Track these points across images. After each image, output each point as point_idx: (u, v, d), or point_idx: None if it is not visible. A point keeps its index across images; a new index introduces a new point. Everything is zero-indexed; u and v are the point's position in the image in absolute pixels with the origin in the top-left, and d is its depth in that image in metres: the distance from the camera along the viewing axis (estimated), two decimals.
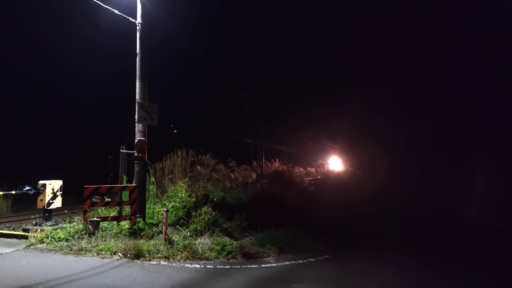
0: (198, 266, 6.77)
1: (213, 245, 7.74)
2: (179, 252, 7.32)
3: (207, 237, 8.33)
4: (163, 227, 8.09)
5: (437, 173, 17.15)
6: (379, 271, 6.82)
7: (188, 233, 8.43)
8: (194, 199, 10.02)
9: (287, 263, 7.05)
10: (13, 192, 9.85)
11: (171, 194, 10.65)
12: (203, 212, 8.99)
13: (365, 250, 8.42)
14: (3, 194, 10.27)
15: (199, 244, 7.84)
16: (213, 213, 9.08)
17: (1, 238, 8.52)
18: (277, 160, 17.65)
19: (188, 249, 7.40)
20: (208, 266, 6.76)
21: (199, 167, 11.26)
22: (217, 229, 8.71)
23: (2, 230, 9.00)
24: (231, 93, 21.37)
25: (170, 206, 9.45)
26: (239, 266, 6.80)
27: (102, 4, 8.41)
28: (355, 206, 12.47)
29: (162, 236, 8.06)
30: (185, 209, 9.57)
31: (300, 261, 7.17)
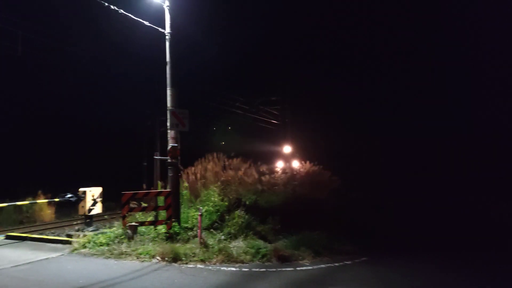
0: (233, 269, 6.84)
1: (248, 248, 7.79)
2: (214, 255, 7.43)
3: (241, 240, 8.40)
4: (198, 231, 8.25)
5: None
6: (419, 275, 6.61)
7: (223, 236, 8.54)
8: (226, 203, 10.13)
9: (323, 266, 6.98)
10: (57, 199, 10.38)
11: (204, 198, 10.82)
12: (236, 216, 9.09)
13: (403, 252, 8.19)
14: (47, 201, 10.81)
15: (233, 247, 7.92)
16: (246, 217, 9.15)
17: (47, 244, 8.98)
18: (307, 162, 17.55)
19: (223, 252, 7.50)
20: (243, 269, 6.82)
21: (230, 171, 11.36)
22: (250, 232, 8.77)
23: (47, 236, 9.48)
24: (258, 97, 21.43)
25: (204, 210, 9.60)
26: (274, 269, 6.81)
27: (132, 16, 8.72)
28: (385, 206, 12.17)
29: (197, 239, 8.22)
30: (218, 213, 9.70)
31: (336, 264, 7.08)
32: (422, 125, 20.14)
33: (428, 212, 11.62)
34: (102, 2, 8.13)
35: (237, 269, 6.85)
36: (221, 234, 8.67)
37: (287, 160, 18.55)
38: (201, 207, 8.97)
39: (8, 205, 9.73)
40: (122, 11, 8.60)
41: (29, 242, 9.18)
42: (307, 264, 7.11)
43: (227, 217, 9.28)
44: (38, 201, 10.61)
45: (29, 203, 10.35)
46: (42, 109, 24.31)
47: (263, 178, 11.53)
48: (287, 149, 21.10)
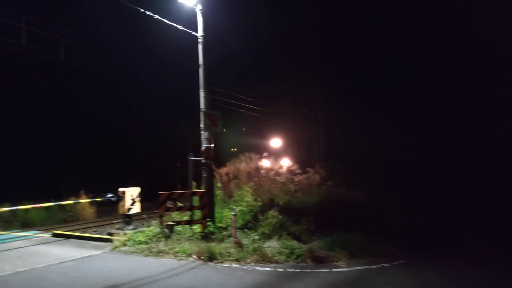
0: (268, 269, 6.86)
1: (282, 249, 7.78)
2: (249, 255, 7.48)
3: (275, 241, 8.40)
4: (232, 230, 8.34)
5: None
6: (461, 279, 6.34)
7: (257, 236, 8.58)
8: (260, 203, 10.18)
9: (359, 268, 6.85)
10: (98, 199, 10.87)
11: (237, 198, 10.94)
12: (269, 216, 9.10)
13: (445, 254, 7.87)
14: (89, 201, 11.32)
15: (268, 247, 7.93)
16: (280, 217, 9.15)
17: (90, 241, 9.42)
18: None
19: (257, 252, 7.54)
20: (278, 270, 6.83)
21: (263, 171, 11.41)
22: (284, 233, 8.75)
23: (90, 234, 9.93)
24: (290, 97, 21.32)
25: (237, 210, 9.70)
26: (309, 270, 6.76)
27: (166, 21, 8.96)
28: (422, 207, 11.77)
29: (232, 239, 8.31)
30: (252, 213, 9.76)
31: (374, 266, 6.92)
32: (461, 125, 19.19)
33: (468, 213, 11.11)
34: (138, 8, 8.41)
35: (272, 269, 6.86)
36: (255, 234, 8.72)
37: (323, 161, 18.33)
38: (235, 207, 9.07)
39: (53, 205, 10.31)
40: (157, 16, 8.87)
41: (73, 240, 9.66)
42: (343, 265, 7.01)
43: (260, 217, 9.32)
44: (80, 200, 11.15)
45: (73, 203, 10.90)
46: (84, 113, 25.46)
47: (296, 178, 11.48)
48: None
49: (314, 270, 6.76)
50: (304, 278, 6.32)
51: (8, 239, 9.69)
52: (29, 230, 10.88)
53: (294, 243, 8.17)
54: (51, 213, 12.06)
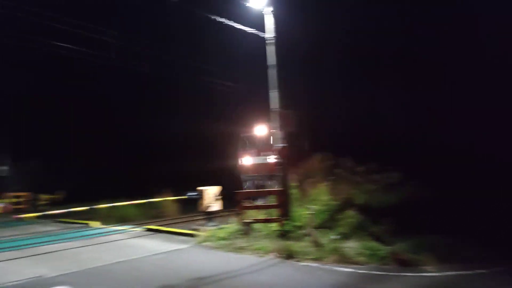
0: (349, 270, 6.72)
1: (362, 249, 7.55)
2: (328, 255, 7.40)
3: (354, 241, 8.18)
4: (310, 229, 8.33)
5: None
6: None
7: (335, 236, 8.45)
8: (337, 202, 10.01)
9: (451, 273, 6.34)
10: (184, 197, 11.69)
11: (313, 197, 10.87)
12: (347, 215, 8.90)
13: None
14: (175, 199, 12.21)
15: (347, 247, 7.75)
16: (358, 217, 8.89)
17: (176, 236, 10.16)
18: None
19: (336, 252, 7.42)
20: (359, 271, 6.64)
21: (339, 170, 11.19)
22: (364, 233, 8.48)
23: (176, 229, 10.71)
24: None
25: (314, 209, 9.65)
26: (394, 273, 6.46)
27: (235, 25, 9.25)
28: None
29: (309, 238, 8.30)
30: (329, 212, 9.63)
31: (468, 272, 6.33)
32: None
33: None
34: (209, 15, 8.81)
35: (353, 270, 6.70)
36: (332, 233, 8.59)
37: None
38: (311, 206, 9.04)
39: (145, 202, 11.36)
40: (227, 21, 9.22)
41: (162, 234, 10.51)
42: (432, 270, 6.55)
43: (338, 216, 9.15)
44: (168, 198, 12.07)
45: (161, 200, 11.86)
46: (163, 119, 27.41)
47: (374, 176, 11.04)
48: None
49: (399, 274, 6.43)
50: (389, 281, 6.06)
51: (108, 232, 10.88)
52: (124, 225, 12.08)
53: (375, 244, 7.86)
54: (142, 209, 13.28)
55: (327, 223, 9.19)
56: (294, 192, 11.12)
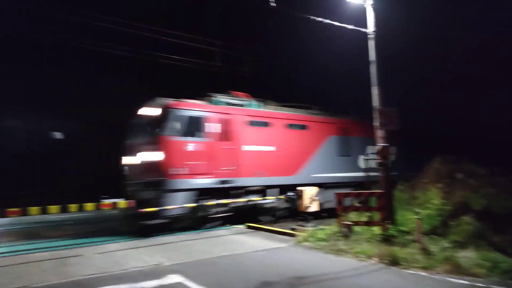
0: (464, 282, 6.05)
1: (481, 261, 6.72)
2: (439, 264, 6.78)
3: (471, 251, 7.32)
4: (417, 235, 7.73)
5: None
6: None
7: (447, 244, 7.68)
8: (450, 207, 9.07)
9: None
10: (282, 196, 11.94)
11: (421, 200, 10.05)
12: (463, 222, 8.00)
13: None
14: (274, 198, 12.56)
15: (461, 257, 6.99)
16: (476, 224, 7.92)
17: (275, 235, 10.42)
18: None
19: (449, 261, 6.75)
20: (477, 284, 5.93)
21: (454, 172, 10.14)
22: (483, 243, 7.53)
23: (275, 228, 10.99)
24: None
25: (423, 213, 8.92)
26: None
27: (336, 23, 9.10)
28: None
29: (416, 244, 7.71)
30: (440, 218, 8.80)
31: None
32: None
33: None
34: (308, 16, 8.84)
35: (469, 282, 6.01)
36: (444, 241, 7.82)
37: None
38: (419, 210, 8.37)
39: (247, 200, 12.03)
40: (327, 20, 9.13)
41: (262, 232, 10.89)
42: None
43: (451, 222, 8.30)
44: (267, 198, 12.49)
45: (261, 199, 12.35)
46: None
47: (497, 179, 9.73)
48: None
49: None
50: None
51: (214, 227, 11.71)
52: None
53: (498, 256, 6.92)
54: None
55: (438, 229, 8.42)
56: (399, 194, 10.46)
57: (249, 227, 11.64)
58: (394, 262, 7.09)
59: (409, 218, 9.19)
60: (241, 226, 11.86)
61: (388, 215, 9.01)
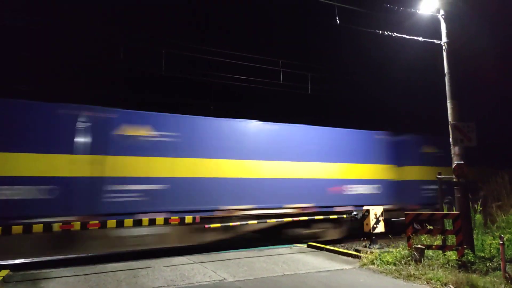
0: None
1: None
2: None
3: None
4: (501, 263, 6.97)
5: None
6: None
7: None
8: None
9: None
10: (344, 216, 11.57)
11: (502, 224, 9.11)
12: None
13: None
14: (336, 218, 12.20)
15: None
16: None
17: (339, 255, 10.05)
18: None
19: None
20: None
21: None
22: None
23: (339, 248, 10.62)
24: None
25: (505, 238, 8.05)
26: None
27: (405, 36, 8.80)
28: None
29: (499, 273, 6.97)
30: None
31: None
32: None
33: None
34: (377, 31, 8.67)
35: None
36: None
37: None
38: (501, 235, 7.57)
39: (308, 219, 11.80)
40: (396, 34, 8.88)
41: (325, 252, 10.58)
42: None
43: None
44: (330, 216, 12.16)
45: (322, 218, 12.05)
46: None
47: None
48: None
49: None
50: None
51: (274, 246, 11.64)
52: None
53: None
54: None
55: None
56: (477, 217, 9.60)
57: (310, 246, 11.40)
58: None
59: (489, 243, 8.37)
60: (302, 245, 11.66)
61: (466, 239, 8.26)
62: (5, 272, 7.96)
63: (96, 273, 8.14)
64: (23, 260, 9.65)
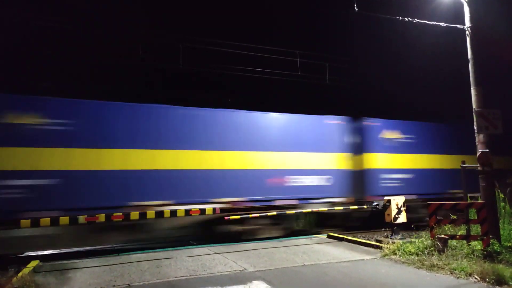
0: None
1: None
2: None
3: None
4: None
5: None
6: None
7: None
8: None
9: None
10: (365, 206, 11.45)
11: None
12: None
13: None
14: (356, 208, 12.10)
15: None
16: None
17: (360, 246, 9.99)
18: None
19: None
20: None
21: None
22: None
23: (360, 239, 10.54)
24: None
25: None
26: None
27: (427, 22, 8.55)
28: None
29: None
30: None
31: None
32: None
33: None
34: (397, 17, 8.46)
35: None
36: None
37: None
38: None
39: (328, 209, 11.77)
40: (416, 20, 8.64)
41: (345, 243, 10.53)
42: None
43: None
44: (350, 207, 12.07)
45: (342, 209, 11.98)
46: None
47: None
48: None
49: None
50: None
51: (295, 236, 11.66)
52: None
53: None
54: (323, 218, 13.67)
55: None
56: (503, 205, 9.32)
57: (330, 236, 11.36)
58: (499, 281, 6.31)
59: None
60: (322, 236, 11.64)
61: (491, 229, 8.05)
62: (35, 263, 8.31)
63: (121, 263, 8.38)
64: (51, 251, 10.05)
